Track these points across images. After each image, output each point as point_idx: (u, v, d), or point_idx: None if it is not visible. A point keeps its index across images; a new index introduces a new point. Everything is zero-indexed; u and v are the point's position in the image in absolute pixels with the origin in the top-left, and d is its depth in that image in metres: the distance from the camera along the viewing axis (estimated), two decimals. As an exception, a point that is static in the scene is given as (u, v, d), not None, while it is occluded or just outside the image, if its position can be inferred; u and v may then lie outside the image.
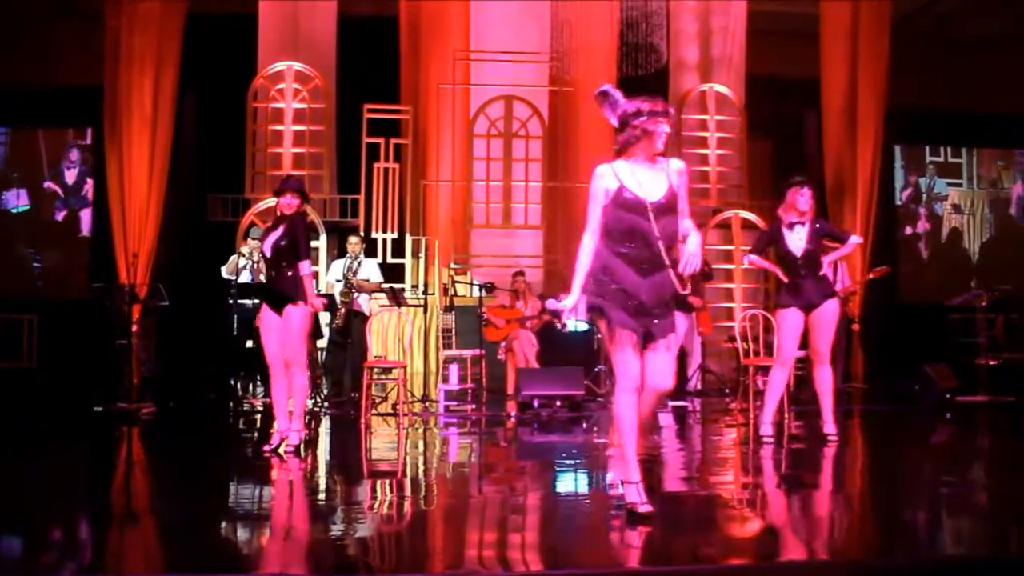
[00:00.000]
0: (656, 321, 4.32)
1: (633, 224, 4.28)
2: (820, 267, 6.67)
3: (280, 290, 6.24)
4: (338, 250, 11.33)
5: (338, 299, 9.12)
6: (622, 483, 4.46)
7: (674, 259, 4.35)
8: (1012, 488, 5.36)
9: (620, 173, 4.35)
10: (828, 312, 6.65)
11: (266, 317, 6.30)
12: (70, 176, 12.63)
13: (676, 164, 4.45)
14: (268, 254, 6.33)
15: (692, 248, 4.26)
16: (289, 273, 6.24)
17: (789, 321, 6.68)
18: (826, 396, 6.72)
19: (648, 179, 4.34)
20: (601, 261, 4.36)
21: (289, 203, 6.34)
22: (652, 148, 4.34)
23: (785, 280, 6.68)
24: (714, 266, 11.15)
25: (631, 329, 4.29)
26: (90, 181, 12.47)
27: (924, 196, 14.13)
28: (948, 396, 8.95)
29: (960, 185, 14.24)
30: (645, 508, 4.31)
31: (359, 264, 9.40)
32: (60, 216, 12.64)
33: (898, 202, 14.02)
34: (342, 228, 11.57)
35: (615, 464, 4.65)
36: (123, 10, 10.28)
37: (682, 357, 9.95)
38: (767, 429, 6.76)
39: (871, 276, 9.92)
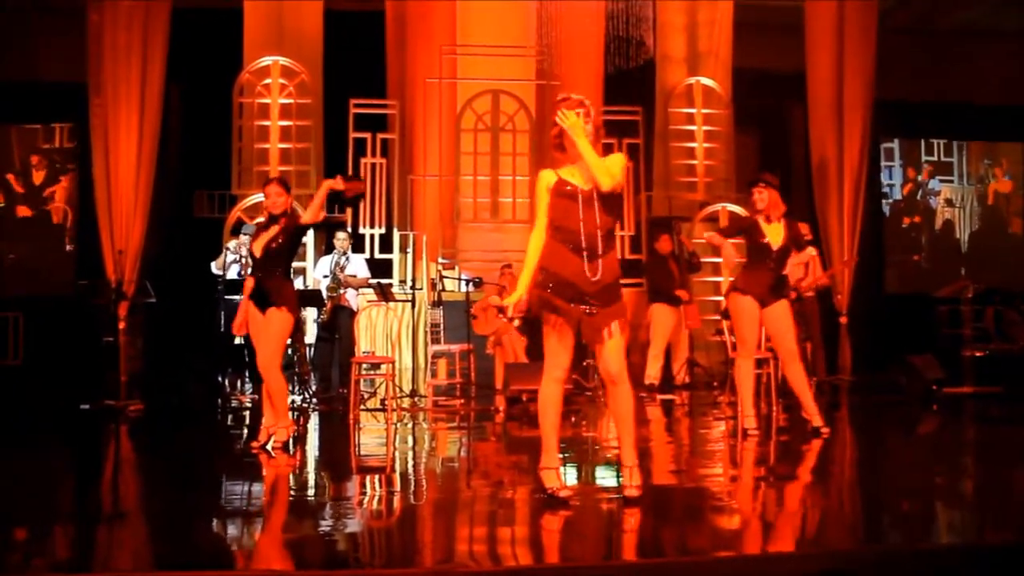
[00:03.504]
0: (595, 308, 4.49)
1: (571, 212, 4.51)
2: (785, 266, 6.74)
3: (265, 292, 6.22)
4: (326, 246, 11.30)
5: (325, 294, 9.10)
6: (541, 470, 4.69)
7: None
8: (997, 477, 5.41)
9: (560, 171, 4.63)
10: (780, 312, 6.68)
11: (252, 316, 6.27)
12: (37, 177, 12.60)
13: (617, 159, 4.62)
14: (258, 255, 6.28)
15: None
16: (277, 275, 6.23)
17: (746, 310, 6.67)
18: (804, 393, 6.76)
19: (588, 171, 4.52)
20: (547, 250, 4.58)
21: (275, 201, 6.31)
22: (569, 146, 4.54)
23: (741, 262, 6.77)
24: (702, 260, 11.19)
25: (566, 317, 4.50)
26: (62, 180, 12.45)
27: (920, 192, 14.43)
28: (934, 387, 8.99)
29: (951, 181, 14.63)
30: (565, 492, 4.58)
31: (347, 260, 9.39)
32: (30, 213, 12.63)
33: (898, 197, 14.36)
34: (329, 224, 11.52)
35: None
36: (107, 6, 10.21)
37: (668, 350, 9.99)
38: (750, 422, 6.78)
39: (842, 267, 9.99)
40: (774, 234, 6.68)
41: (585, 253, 4.48)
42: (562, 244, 4.52)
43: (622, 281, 4.76)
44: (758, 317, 6.69)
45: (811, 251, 7.03)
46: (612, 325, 4.52)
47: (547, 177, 4.62)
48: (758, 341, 6.88)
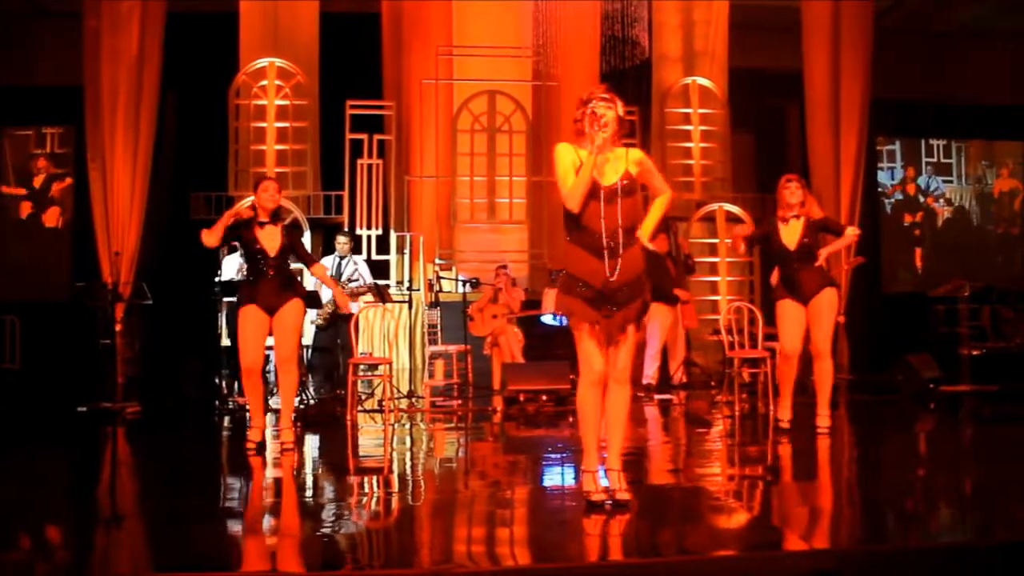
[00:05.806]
0: (616, 308, 4.39)
1: (589, 208, 4.39)
2: (815, 259, 6.73)
3: (280, 287, 6.24)
4: (323, 247, 11.28)
5: (326, 300, 9.08)
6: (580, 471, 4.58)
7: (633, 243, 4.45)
8: (994, 476, 5.41)
9: (581, 152, 4.50)
10: (824, 303, 6.72)
11: (254, 315, 6.20)
12: (36, 180, 12.60)
13: (635, 154, 4.55)
14: (272, 253, 6.26)
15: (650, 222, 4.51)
16: (290, 270, 6.32)
17: (786, 313, 6.77)
18: (824, 390, 6.78)
19: (605, 164, 4.45)
20: (565, 253, 4.50)
21: (273, 196, 6.42)
22: (593, 135, 4.42)
23: (776, 274, 6.85)
24: (698, 259, 11.19)
25: (591, 321, 4.40)
26: (58, 184, 12.45)
27: (923, 195, 14.54)
28: (931, 386, 8.99)
29: (951, 182, 14.80)
30: (597, 496, 4.43)
31: (348, 263, 9.36)
32: (25, 215, 12.63)
33: (899, 197, 14.43)
34: (326, 224, 11.53)
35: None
36: (103, 10, 10.19)
37: (666, 350, 9.99)
38: (785, 414, 6.85)
39: (847, 267, 10.00)
40: (790, 235, 6.73)
41: (606, 252, 4.35)
42: (580, 246, 4.40)
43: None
44: (800, 318, 6.74)
45: (851, 231, 6.97)
46: (628, 328, 4.44)
47: (568, 153, 4.50)
48: (795, 341, 6.84)
